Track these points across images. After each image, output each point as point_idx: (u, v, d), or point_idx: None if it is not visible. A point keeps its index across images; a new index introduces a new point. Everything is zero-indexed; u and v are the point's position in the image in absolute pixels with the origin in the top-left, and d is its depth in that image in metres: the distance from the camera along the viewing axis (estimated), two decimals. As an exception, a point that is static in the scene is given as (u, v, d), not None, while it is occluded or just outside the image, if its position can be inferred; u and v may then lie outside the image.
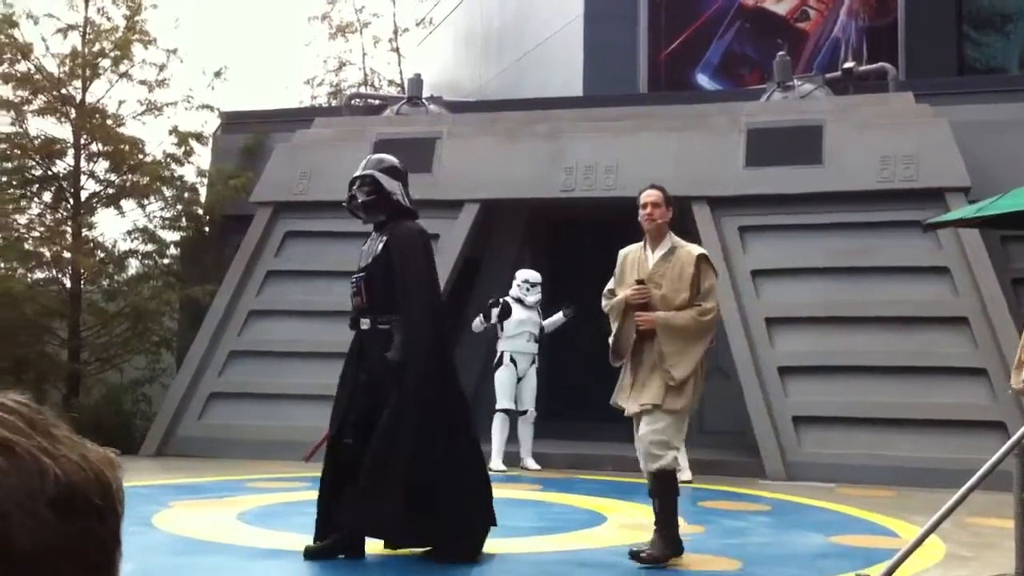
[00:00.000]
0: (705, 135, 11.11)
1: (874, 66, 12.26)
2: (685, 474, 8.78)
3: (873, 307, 10.06)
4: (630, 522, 6.87)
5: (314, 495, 5.33)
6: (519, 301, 10.05)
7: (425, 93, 13.42)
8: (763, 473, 9.52)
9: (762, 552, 6.05)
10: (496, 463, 9.45)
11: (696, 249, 5.58)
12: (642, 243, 5.60)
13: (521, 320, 9.99)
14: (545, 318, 10.27)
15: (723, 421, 11.06)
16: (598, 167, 11.13)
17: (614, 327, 5.47)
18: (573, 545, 6.07)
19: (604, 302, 5.60)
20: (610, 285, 5.63)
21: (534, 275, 10.17)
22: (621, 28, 15.16)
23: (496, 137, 11.69)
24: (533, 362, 10.11)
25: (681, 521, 6.99)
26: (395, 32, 22.47)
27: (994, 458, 4.64)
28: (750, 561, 5.66)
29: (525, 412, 9.98)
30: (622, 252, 5.69)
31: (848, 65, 12.40)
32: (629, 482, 8.95)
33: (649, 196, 5.56)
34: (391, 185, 5.49)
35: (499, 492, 8.25)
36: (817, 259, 10.38)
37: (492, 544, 6.07)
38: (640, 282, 5.36)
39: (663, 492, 5.39)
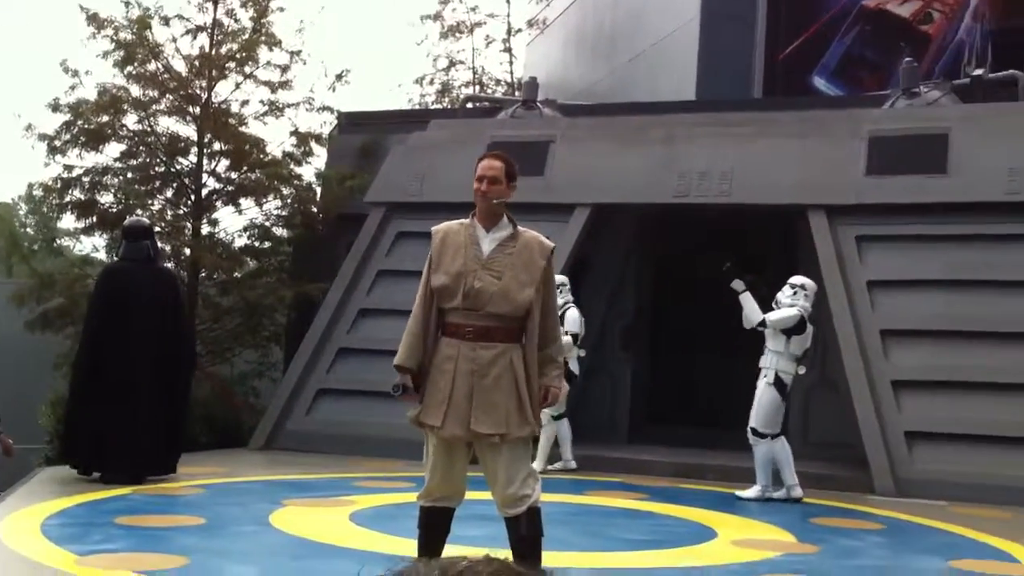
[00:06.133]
0: (825, 142, 10.88)
1: (1004, 73, 11.84)
2: (796, 491, 8.63)
3: (993, 322, 9.72)
4: (743, 539, 6.76)
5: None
6: None
7: (538, 95, 13.42)
8: (872, 488, 9.28)
9: (882, 577, 5.91)
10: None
11: (547, 240, 4.51)
12: (468, 221, 4.50)
13: None
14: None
15: (829, 433, 10.85)
16: (713, 172, 10.99)
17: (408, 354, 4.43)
18: (688, 562, 5.99)
19: (419, 308, 4.46)
20: (425, 276, 4.49)
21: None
22: (738, 30, 14.94)
23: (609, 141, 11.63)
24: None
25: (794, 539, 6.91)
26: (508, 32, 22.53)
27: None
28: (870, 587, 5.51)
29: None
30: (437, 231, 4.51)
31: (978, 72, 12.00)
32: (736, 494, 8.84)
33: (488, 168, 4.42)
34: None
35: (604, 500, 8.29)
36: (937, 271, 10.07)
37: (605, 557, 6.06)
38: (405, 388, 4.42)
39: (539, 533, 4.40)
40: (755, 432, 8.62)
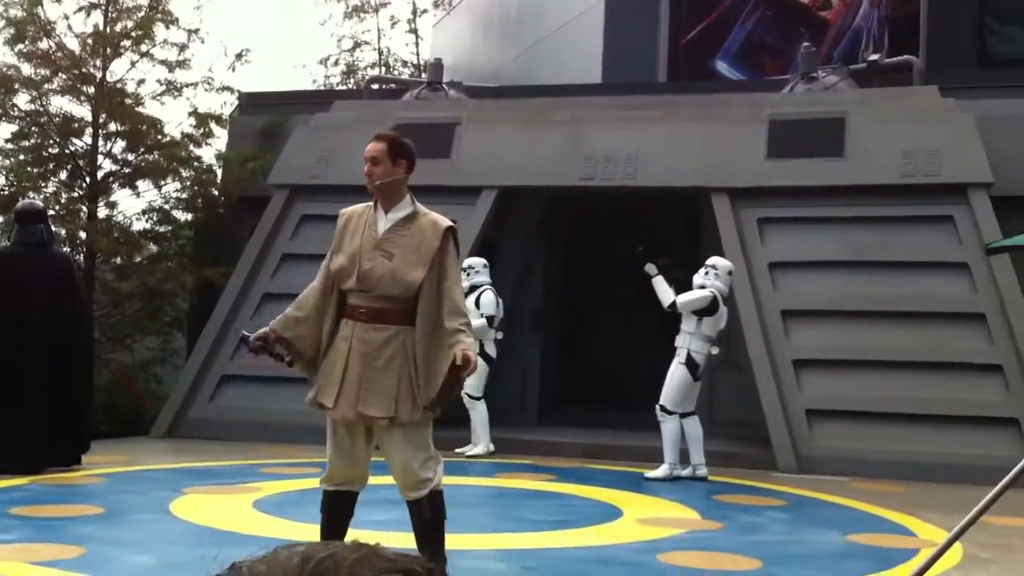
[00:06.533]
0: (727, 126, 11.03)
1: (899, 58, 12.15)
2: (702, 470, 8.76)
3: (890, 302, 9.99)
4: (648, 517, 6.84)
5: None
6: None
7: (443, 77, 13.34)
8: (775, 466, 9.48)
9: (782, 551, 6.02)
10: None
11: (444, 220, 4.44)
12: (372, 203, 4.49)
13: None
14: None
15: (733, 412, 11.04)
16: (618, 156, 11.05)
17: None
18: (593, 541, 6.03)
19: (311, 286, 4.52)
20: (328, 257, 4.51)
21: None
22: (642, 14, 15.07)
23: (516, 124, 11.61)
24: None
25: (698, 516, 7.02)
26: (414, 13, 22.36)
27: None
28: (771, 561, 5.61)
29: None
30: (343, 214, 4.55)
31: (874, 57, 12.29)
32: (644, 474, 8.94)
33: (371, 150, 4.39)
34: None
35: (513, 482, 8.31)
36: (836, 252, 10.31)
37: (511, 538, 6.07)
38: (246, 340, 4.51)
39: (441, 516, 4.39)
40: (663, 409, 8.72)
